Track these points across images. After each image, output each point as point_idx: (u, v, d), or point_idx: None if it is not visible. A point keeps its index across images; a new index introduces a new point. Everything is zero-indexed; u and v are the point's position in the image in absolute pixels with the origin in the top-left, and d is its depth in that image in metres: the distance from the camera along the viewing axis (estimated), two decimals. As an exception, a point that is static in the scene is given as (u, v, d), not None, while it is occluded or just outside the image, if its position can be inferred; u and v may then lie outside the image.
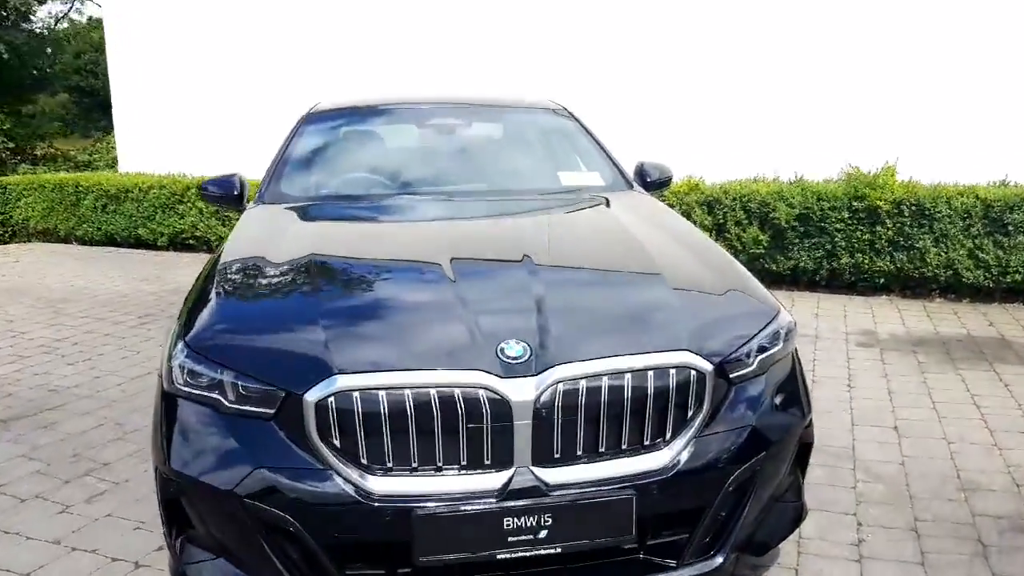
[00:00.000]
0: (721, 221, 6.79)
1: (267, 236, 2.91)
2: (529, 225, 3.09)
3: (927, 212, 6.22)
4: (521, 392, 1.94)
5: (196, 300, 2.43)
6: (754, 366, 2.22)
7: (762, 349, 2.25)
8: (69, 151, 17.69)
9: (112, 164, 13.69)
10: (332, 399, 1.93)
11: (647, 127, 7.53)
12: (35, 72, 18.97)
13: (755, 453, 2.15)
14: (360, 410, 1.92)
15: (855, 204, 6.37)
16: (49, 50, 19.47)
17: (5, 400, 4.24)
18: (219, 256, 2.74)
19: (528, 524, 1.95)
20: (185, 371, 2.12)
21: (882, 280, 6.46)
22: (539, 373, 1.97)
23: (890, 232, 6.32)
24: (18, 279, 7.64)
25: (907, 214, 6.27)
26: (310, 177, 3.57)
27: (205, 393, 2.08)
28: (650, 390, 2.02)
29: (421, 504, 1.92)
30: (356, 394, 1.93)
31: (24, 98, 19.08)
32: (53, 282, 7.46)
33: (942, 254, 6.21)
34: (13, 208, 10.31)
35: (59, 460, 3.49)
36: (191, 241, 8.97)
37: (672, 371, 2.05)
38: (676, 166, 4.22)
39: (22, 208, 10.20)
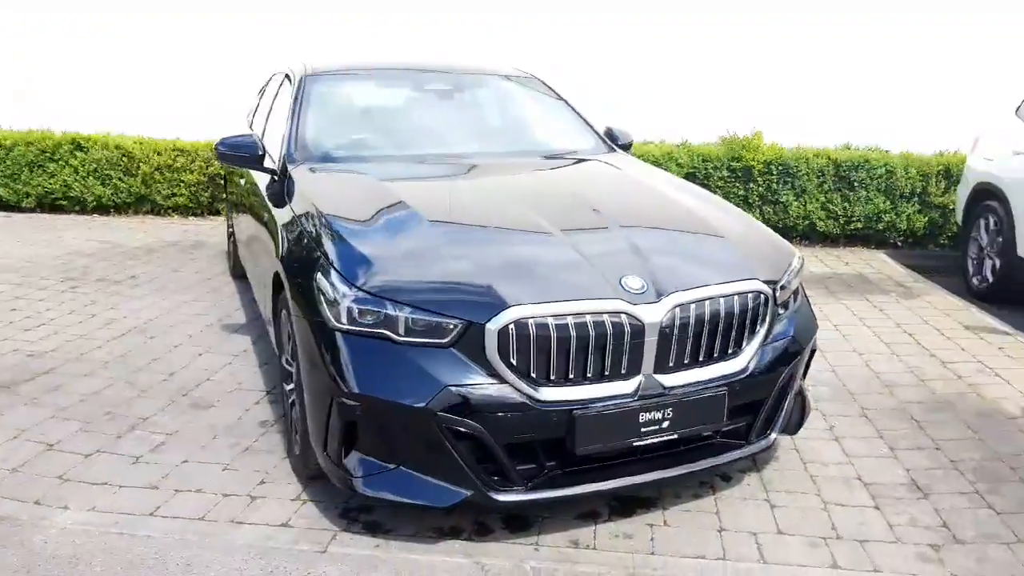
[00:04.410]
0: (618, 179, 7.53)
1: (355, 195, 3.19)
2: (573, 183, 3.58)
3: (791, 171, 7.33)
4: (653, 315, 2.48)
5: (330, 241, 2.71)
6: (789, 291, 2.89)
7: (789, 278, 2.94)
8: None
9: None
10: (512, 326, 2.36)
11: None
12: None
13: (795, 356, 2.84)
14: (534, 334, 2.37)
15: (733, 164, 7.36)
16: None
17: (-20, 369, 4.07)
18: (309, 213, 2.98)
19: (656, 417, 2.51)
20: (355, 311, 2.44)
21: (753, 230, 7.52)
22: (659, 300, 2.51)
23: (760, 188, 7.38)
24: None
25: (775, 173, 7.34)
26: (338, 138, 3.80)
27: (376, 329, 2.42)
28: (736, 310, 2.63)
29: (580, 406, 2.42)
30: (531, 321, 2.37)
31: None
32: (-76, 249, 6.80)
33: (801, 207, 7.35)
34: None
35: (96, 419, 3.50)
36: (63, 202, 8.40)
37: (750, 295, 2.67)
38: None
39: None
